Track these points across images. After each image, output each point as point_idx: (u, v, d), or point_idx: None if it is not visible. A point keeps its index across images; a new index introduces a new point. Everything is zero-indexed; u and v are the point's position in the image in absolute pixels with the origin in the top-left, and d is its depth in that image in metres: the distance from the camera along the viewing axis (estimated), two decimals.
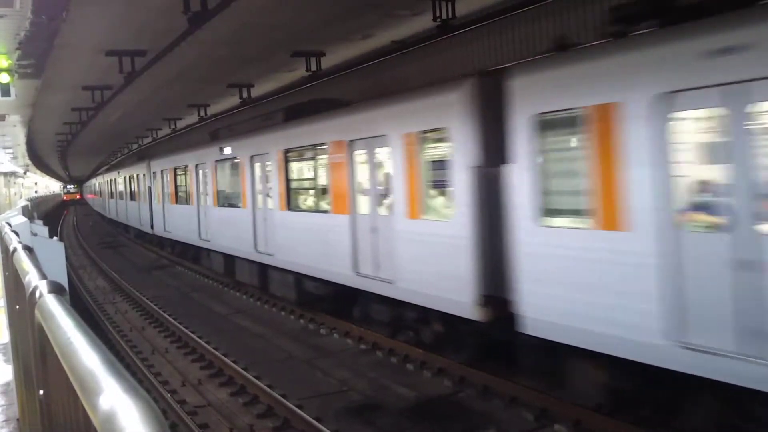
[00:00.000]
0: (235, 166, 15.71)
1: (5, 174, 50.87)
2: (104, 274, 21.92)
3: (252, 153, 14.35)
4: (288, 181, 12.84)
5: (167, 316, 13.49)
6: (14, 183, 61.28)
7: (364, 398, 8.53)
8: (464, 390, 8.51)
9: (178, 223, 21.21)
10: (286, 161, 12.78)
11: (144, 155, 30.34)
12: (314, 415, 7.61)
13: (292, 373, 9.69)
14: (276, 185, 13.14)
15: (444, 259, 8.40)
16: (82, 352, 1.34)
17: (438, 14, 10.36)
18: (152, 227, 25.06)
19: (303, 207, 12.76)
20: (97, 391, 1.10)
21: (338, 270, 10.86)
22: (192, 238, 19.30)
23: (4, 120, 22.31)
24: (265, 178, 13.92)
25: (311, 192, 12.63)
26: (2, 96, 12.74)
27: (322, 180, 11.74)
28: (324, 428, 7.19)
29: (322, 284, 11.87)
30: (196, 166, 18.61)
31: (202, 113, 22.77)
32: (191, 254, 20.90)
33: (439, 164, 8.75)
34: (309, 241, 11.83)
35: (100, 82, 15.74)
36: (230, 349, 10.81)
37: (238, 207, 15.25)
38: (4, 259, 4.79)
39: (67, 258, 9.90)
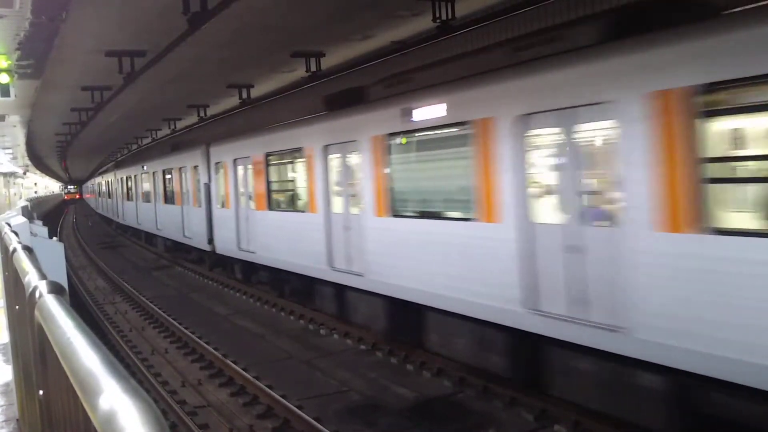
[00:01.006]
0: (447, 143, 8.93)
1: (5, 174, 50.85)
2: (104, 274, 21.93)
3: (527, 110, 7.19)
4: (700, 163, 5.52)
5: (167, 317, 13.50)
6: (14, 183, 61.28)
7: (363, 398, 8.53)
8: (464, 390, 8.51)
9: (271, 239, 14.10)
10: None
11: (195, 140, 22.06)
12: (314, 415, 7.62)
13: (292, 374, 9.70)
14: (646, 178, 5.91)
15: None
16: (82, 352, 1.34)
17: (438, 15, 10.37)
18: (211, 242, 18.13)
19: None
20: (97, 392, 1.10)
21: None
22: (309, 266, 12.32)
23: (3, 120, 22.27)
24: (578, 163, 6.77)
25: None
26: (2, 96, 12.73)
27: None
28: (324, 428, 7.20)
29: None
30: (326, 148, 11.51)
31: (202, 113, 22.77)
32: (293, 287, 13.86)
33: None
34: None
35: (99, 82, 15.74)
36: (230, 349, 10.82)
37: (469, 219, 8.14)
38: (3, 259, 4.78)
39: (66, 258, 9.91)
